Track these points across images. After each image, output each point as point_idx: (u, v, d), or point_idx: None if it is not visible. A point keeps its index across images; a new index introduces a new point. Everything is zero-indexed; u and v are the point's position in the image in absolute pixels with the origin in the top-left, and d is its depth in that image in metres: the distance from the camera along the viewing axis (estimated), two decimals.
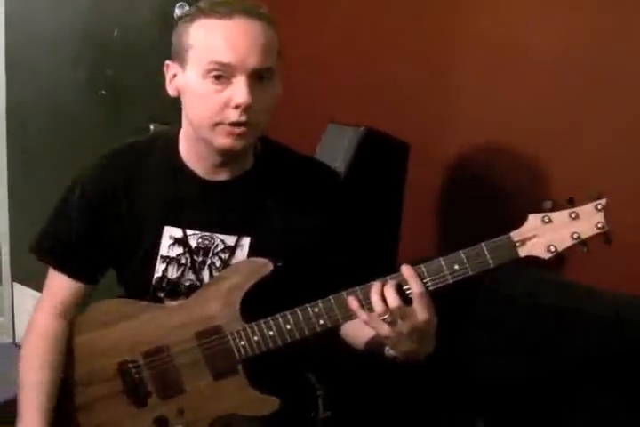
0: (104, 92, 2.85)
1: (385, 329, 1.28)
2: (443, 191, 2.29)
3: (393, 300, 1.26)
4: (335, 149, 2.13)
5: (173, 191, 1.46)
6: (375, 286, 1.29)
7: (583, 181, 1.93)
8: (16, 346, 3.27)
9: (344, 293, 1.33)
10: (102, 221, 1.48)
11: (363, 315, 1.30)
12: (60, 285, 1.53)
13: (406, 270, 1.28)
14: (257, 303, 1.41)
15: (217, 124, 1.33)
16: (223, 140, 1.34)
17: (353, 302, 1.31)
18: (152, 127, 2.39)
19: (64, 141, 2.97)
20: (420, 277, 1.27)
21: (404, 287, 1.28)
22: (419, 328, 1.27)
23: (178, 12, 2.49)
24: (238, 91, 1.30)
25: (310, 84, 2.55)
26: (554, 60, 2.00)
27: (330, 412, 1.55)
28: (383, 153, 2.18)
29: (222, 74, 1.30)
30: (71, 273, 1.52)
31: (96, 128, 2.85)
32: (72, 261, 1.52)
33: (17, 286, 3.23)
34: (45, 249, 1.55)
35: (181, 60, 1.35)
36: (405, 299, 1.27)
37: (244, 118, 1.31)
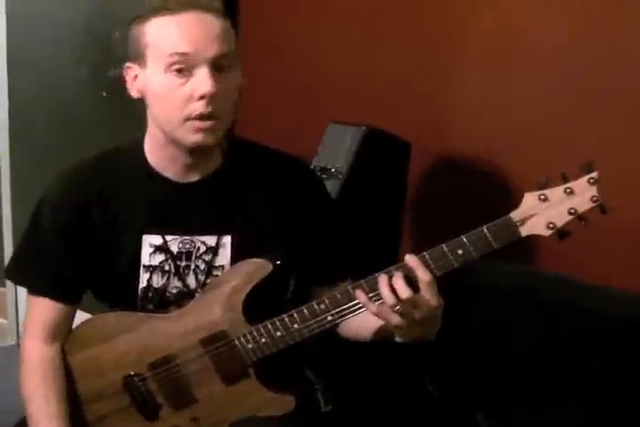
0: (104, 93, 2.85)
1: (397, 319, 1.27)
2: (444, 190, 2.29)
3: (404, 291, 1.26)
4: (337, 149, 2.13)
5: (147, 199, 1.44)
6: (382, 278, 1.28)
7: None
8: (20, 348, 3.27)
9: (349, 287, 1.33)
10: (77, 238, 1.44)
11: (372, 307, 1.29)
12: (45, 307, 1.48)
13: (411, 260, 1.28)
14: (257, 304, 1.40)
15: (185, 121, 1.33)
16: (193, 136, 1.34)
17: (361, 296, 1.30)
18: None
19: (67, 141, 2.97)
20: (426, 264, 1.27)
21: (410, 276, 1.28)
22: (431, 313, 1.28)
23: None
24: (200, 81, 1.30)
25: (311, 83, 2.56)
26: (557, 57, 2.00)
27: (330, 406, 1.54)
28: (384, 152, 2.18)
29: (183, 66, 1.31)
30: (54, 296, 1.47)
31: (99, 127, 2.85)
32: (52, 284, 1.47)
33: (20, 287, 3.23)
34: (22, 274, 1.51)
35: (140, 59, 1.36)
36: (414, 288, 1.26)
37: (209, 109, 1.31)
